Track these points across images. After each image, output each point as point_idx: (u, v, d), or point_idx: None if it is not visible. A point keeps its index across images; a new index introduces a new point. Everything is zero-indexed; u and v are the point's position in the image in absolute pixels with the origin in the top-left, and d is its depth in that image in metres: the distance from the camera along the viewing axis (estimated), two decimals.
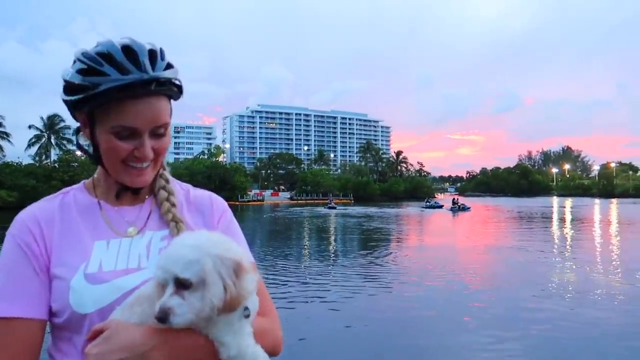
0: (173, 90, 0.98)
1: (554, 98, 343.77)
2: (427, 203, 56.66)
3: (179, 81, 0.99)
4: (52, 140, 67.82)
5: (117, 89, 0.90)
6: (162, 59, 0.96)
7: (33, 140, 66.77)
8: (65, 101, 0.96)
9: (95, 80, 0.91)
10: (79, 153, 63.44)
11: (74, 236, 0.97)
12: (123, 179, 1.00)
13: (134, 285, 0.92)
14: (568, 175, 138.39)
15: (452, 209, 46.75)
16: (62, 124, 68.60)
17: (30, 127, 66.87)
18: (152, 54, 0.94)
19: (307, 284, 10.47)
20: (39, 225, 0.96)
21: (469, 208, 47.56)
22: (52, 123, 67.51)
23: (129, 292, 0.91)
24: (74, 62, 0.95)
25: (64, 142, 68.30)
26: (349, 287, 10.12)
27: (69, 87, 0.94)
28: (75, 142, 1.07)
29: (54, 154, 66.73)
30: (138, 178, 1.00)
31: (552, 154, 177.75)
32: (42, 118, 67.83)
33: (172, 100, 1.01)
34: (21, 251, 0.93)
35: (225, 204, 1.17)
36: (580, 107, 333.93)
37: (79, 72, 0.93)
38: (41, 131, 67.30)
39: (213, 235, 0.87)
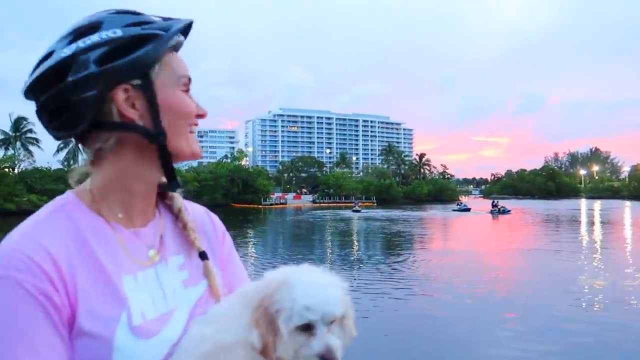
0: None
1: (579, 98, 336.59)
2: (458, 206, 56.26)
3: None
4: (80, 146, 69.19)
5: (174, 35, 0.80)
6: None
7: (61, 145, 68.42)
8: (99, 73, 0.74)
9: (163, 25, 0.80)
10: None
11: (100, 273, 0.75)
12: (187, 149, 0.82)
13: (178, 335, 0.78)
14: (597, 177, 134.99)
15: (492, 212, 46.80)
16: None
17: None
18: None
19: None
20: (54, 262, 0.70)
21: (509, 211, 47.46)
22: (18, 127, 68.84)
23: (175, 344, 0.76)
24: (99, 24, 0.77)
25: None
26: (378, 293, 10.03)
27: (119, 46, 0.76)
28: (110, 124, 0.78)
29: (82, 158, 67.77)
30: (197, 144, 0.85)
31: (579, 155, 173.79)
32: None
33: None
34: (36, 303, 0.67)
35: (221, 222, 1.03)
36: (608, 107, 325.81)
37: (132, 25, 0.78)
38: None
39: (318, 269, 0.83)
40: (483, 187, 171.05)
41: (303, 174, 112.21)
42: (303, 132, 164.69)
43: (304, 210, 61.12)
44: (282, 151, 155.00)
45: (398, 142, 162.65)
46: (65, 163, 66.50)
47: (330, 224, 34.85)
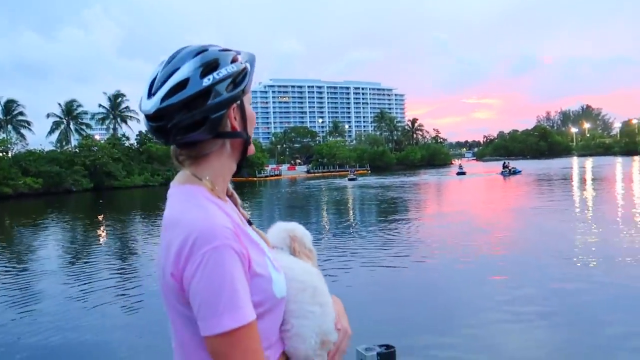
0: None
1: (572, 56, 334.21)
2: (460, 170, 55.93)
3: None
4: (71, 126, 68.85)
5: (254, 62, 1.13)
6: None
7: (53, 127, 67.90)
8: (227, 100, 1.02)
9: (248, 58, 1.11)
10: (97, 137, 64.48)
11: (247, 235, 1.05)
12: (252, 147, 1.14)
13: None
14: (588, 135, 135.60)
15: (502, 173, 47.27)
16: (79, 110, 69.58)
17: (48, 115, 67.85)
18: None
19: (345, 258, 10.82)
20: (235, 231, 0.98)
21: (520, 171, 48.11)
22: (69, 109, 68.38)
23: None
24: (217, 60, 1.04)
25: (83, 127, 69.32)
26: (373, 259, 10.45)
27: (237, 77, 1.05)
28: (226, 135, 1.08)
29: (74, 139, 67.84)
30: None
31: (571, 113, 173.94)
32: (60, 105, 68.75)
33: None
34: (239, 259, 0.96)
35: None
36: (600, 64, 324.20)
37: (233, 61, 1.06)
38: (60, 118, 68.28)
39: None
40: (476, 149, 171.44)
41: (296, 145, 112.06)
42: (294, 102, 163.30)
43: (298, 181, 61.39)
44: (275, 122, 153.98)
45: (390, 109, 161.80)
46: (58, 144, 66.11)
47: (325, 193, 35.24)
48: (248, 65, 1.08)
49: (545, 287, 7.43)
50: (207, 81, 1.00)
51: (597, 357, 5.09)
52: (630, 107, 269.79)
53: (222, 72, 1.02)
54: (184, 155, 1.07)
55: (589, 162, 71.12)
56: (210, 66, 1.02)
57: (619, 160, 74.13)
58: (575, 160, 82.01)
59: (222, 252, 0.93)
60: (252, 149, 1.13)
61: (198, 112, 1.00)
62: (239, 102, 1.06)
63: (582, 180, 35.08)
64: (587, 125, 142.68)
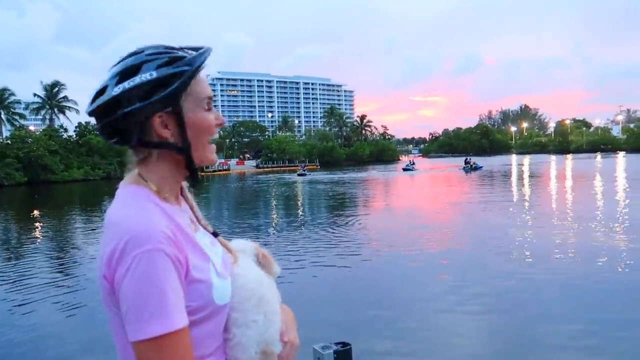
0: None
1: (513, 57, 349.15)
2: (408, 166, 56.65)
3: None
4: (3, 116, 64.63)
5: (199, 66, 1.03)
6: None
7: None
8: (141, 108, 0.98)
9: (188, 61, 1.01)
10: (32, 128, 60.84)
11: (189, 239, 1.02)
12: (209, 156, 1.08)
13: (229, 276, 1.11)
14: (526, 134, 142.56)
15: (464, 169, 48.56)
16: (12, 99, 65.33)
17: None
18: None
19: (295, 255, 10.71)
20: (174, 234, 0.96)
21: (481, 167, 49.66)
22: (1, 98, 64.06)
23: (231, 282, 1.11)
24: (141, 65, 1.00)
25: (16, 117, 65.24)
26: (324, 258, 10.43)
27: (154, 86, 0.98)
28: (152, 145, 1.03)
29: (6, 130, 63.78)
30: (213, 154, 1.09)
31: (510, 113, 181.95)
32: None
33: None
34: (172, 264, 0.93)
35: None
36: (538, 66, 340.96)
37: (164, 65, 1.00)
38: None
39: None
40: (422, 146, 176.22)
41: (245, 139, 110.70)
42: (243, 96, 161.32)
43: (247, 176, 60.74)
44: (223, 116, 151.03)
45: (339, 104, 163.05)
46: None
47: (275, 189, 35.03)
48: (184, 69, 1.00)
49: (486, 284, 7.61)
50: (116, 90, 0.98)
51: (534, 351, 5.26)
52: (564, 108, 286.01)
53: (136, 80, 0.98)
54: (130, 153, 1.07)
55: (526, 159, 74.77)
56: (127, 74, 0.99)
57: (552, 158, 78.43)
58: (514, 158, 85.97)
59: (154, 256, 0.90)
60: (202, 160, 1.07)
61: (108, 121, 1.00)
62: (169, 108, 1.00)
63: (531, 177, 36.76)
64: (525, 125, 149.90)
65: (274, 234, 13.56)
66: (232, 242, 1.26)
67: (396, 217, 16.67)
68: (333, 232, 13.19)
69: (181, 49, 1.05)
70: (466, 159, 54.19)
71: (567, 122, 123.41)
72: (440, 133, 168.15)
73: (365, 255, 10.10)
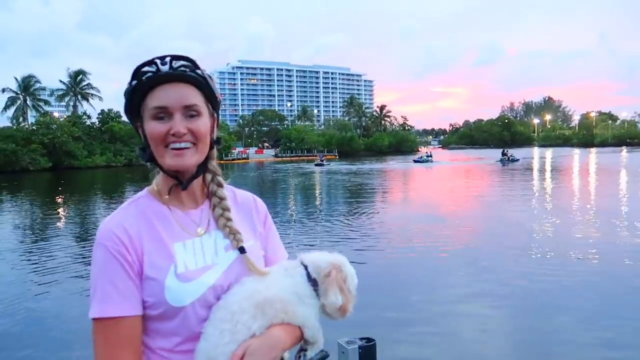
0: (193, 80, 1.14)
1: (536, 48, 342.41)
2: (420, 158, 56.16)
3: (196, 74, 1.14)
4: (28, 103, 65.91)
5: (150, 78, 1.10)
6: (186, 60, 1.14)
7: (8, 103, 64.81)
8: (127, 115, 1.18)
9: (139, 75, 1.11)
10: (56, 115, 62.03)
11: (158, 241, 1.12)
12: (167, 162, 1.13)
13: (213, 281, 1.13)
14: (549, 126, 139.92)
15: (501, 160, 47.93)
16: (37, 85, 66.55)
17: (4, 90, 64.55)
18: (178, 57, 1.15)
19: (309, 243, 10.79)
20: (128, 235, 1.09)
21: (518, 159, 49.04)
22: (27, 85, 65.31)
23: (212, 287, 1.12)
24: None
25: (41, 103, 66.50)
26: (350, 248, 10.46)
27: (128, 98, 1.14)
28: (136, 153, 1.22)
29: (31, 116, 65.09)
30: (178, 158, 1.12)
31: (533, 104, 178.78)
32: (16, 79, 65.55)
33: (207, 95, 1.18)
34: (116, 260, 1.07)
35: (265, 205, 1.37)
36: (563, 57, 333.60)
37: (132, 78, 1.14)
38: (16, 93, 65.15)
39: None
40: (442, 137, 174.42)
41: (264, 128, 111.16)
42: (263, 84, 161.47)
43: (266, 165, 60.99)
44: (242, 105, 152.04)
45: (359, 94, 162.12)
46: (14, 121, 63.23)
47: (292, 179, 35.14)
48: (135, 83, 1.12)
49: (504, 280, 7.54)
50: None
51: (554, 349, 5.23)
52: (589, 100, 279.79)
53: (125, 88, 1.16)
54: None
55: (548, 152, 73.38)
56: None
57: (576, 151, 76.86)
58: (536, 151, 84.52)
59: (97, 250, 1.09)
60: (163, 167, 1.15)
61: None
62: (139, 122, 1.15)
63: (553, 170, 36.14)
64: (548, 117, 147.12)
65: (290, 225, 13.63)
66: (310, 252, 1.25)
67: (414, 209, 16.60)
68: (350, 225, 13.20)
69: (163, 58, 1.13)
70: (503, 150, 53.38)
71: (592, 115, 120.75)
72: (461, 124, 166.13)
73: (382, 250, 10.07)
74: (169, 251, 1.12)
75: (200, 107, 1.15)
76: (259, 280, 1.16)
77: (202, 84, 1.16)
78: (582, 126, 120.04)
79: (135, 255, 1.09)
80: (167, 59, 1.12)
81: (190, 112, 1.13)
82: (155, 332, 1.12)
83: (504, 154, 50.47)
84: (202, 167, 1.20)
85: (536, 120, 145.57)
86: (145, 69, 1.11)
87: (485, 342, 5.32)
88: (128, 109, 1.16)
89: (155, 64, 1.12)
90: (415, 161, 54.16)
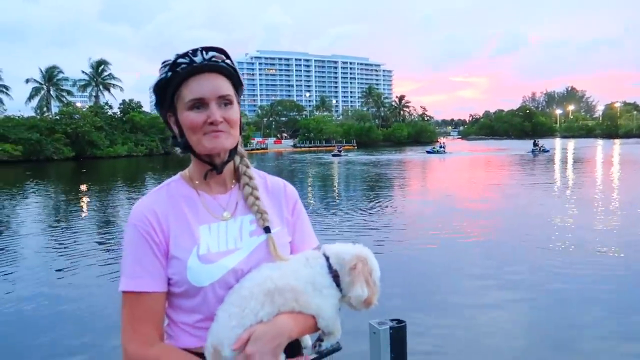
0: (224, 71, 1.21)
1: (559, 37, 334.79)
2: (433, 148, 55.70)
3: (227, 64, 1.21)
4: (52, 93, 67.16)
5: (185, 70, 1.16)
6: (217, 51, 1.20)
7: (33, 93, 66.12)
8: (157, 108, 1.25)
9: (174, 67, 1.17)
10: (79, 105, 62.89)
11: (184, 223, 1.20)
12: (206, 145, 1.19)
13: (234, 264, 1.19)
14: (572, 117, 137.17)
15: (533, 151, 47.68)
16: (60, 76, 67.74)
17: (28, 80, 65.90)
18: (209, 48, 1.20)
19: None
20: (157, 217, 1.18)
21: (548, 150, 48.89)
22: (51, 75, 66.54)
23: (232, 270, 1.18)
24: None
25: (64, 93, 67.69)
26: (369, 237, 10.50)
27: (159, 89, 1.21)
28: (169, 142, 1.29)
29: (55, 106, 66.29)
30: (215, 139, 1.18)
31: (556, 94, 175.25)
32: (40, 70, 66.83)
33: (237, 86, 1.25)
34: (144, 240, 1.16)
35: (296, 192, 1.41)
36: (587, 46, 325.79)
37: (163, 68, 1.20)
38: (40, 84, 66.45)
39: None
40: (461, 128, 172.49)
41: (283, 118, 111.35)
42: (281, 75, 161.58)
43: (285, 155, 61.16)
44: (261, 95, 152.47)
45: (377, 84, 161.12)
46: (38, 111, 64.53)
47: (311, 169, 35.24)
48: (169, 75, 1.18)
49: (525, 275, 7.47)
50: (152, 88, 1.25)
51: (574, 344, 5.20)
52: (613, 90, 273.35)
53: (153, 81, 1.23)
54: None
55: (571, 143, 71.99)
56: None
57: (599, 142, 75.27)
58: (558, 142, 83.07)
59: (128, 229, 1.19)
60: (199, 152, 1.21)
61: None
62: (171, 113, 1.22)
63: (575, 162, 35.54)
64: (571, 107, 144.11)
65: (308, 215, 13.68)
66: (337, 243, 1.28)
67: (434, 200, 16.53)
68: (368, 215, 13.23)
69: (195, 50, 1.18)
70: (535, 141, 52.79)
71: (617, 105, 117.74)
72: (481, 115, 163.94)
73: (401, 241, 10.09)
74: (194, 233, 1.19)
75: (232, 96, 1.21)
76: (275, 268, 1.18)
77: (231, 73, 1.22)
78: (605, 117, 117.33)
79: (162, 235, 1.17)
80: (200, 50, 1.18)
81: (224, 101, 1.19)
82: (178, 308, 1.20)
83: (535, 144, 49.98)
84: (234, 152, 1.27)
85: (558, 111, 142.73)
86: (180, 60, 1.17)
87: (506, 336, 5.28)
88: (160, 101, 1.22)
89: (189, 55, 1.17)
90: (428, 152, 53.71)
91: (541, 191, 17.65)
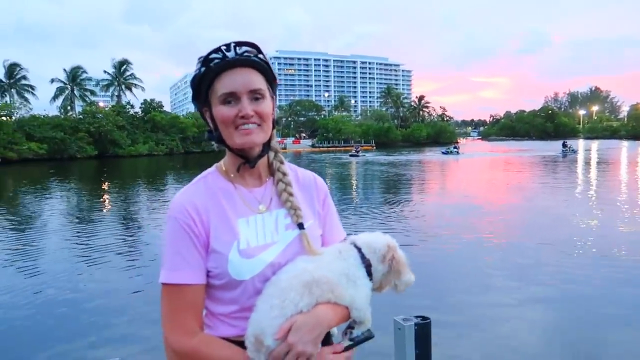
0: (257, 65, 1.22)
1: (584, 36, 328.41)
2: (448, 149, 55.33)
3: (259, 59, 1.22)
4: (76, 92, 68.50)
5: (218, 65, 1.19)
6: (249, 46, 1.22)
7: (57, 92, 67.57)
8: (194, 103, 1.28)
9: (207, 62, 1.20)
10: (102, 104, 64.07)
11: (223, 216, 1.22)
12: (236, 141, 1.21)
13: (272, 258, 1.21)
14: (595, 117, 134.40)
15: (563, 152, 47.59)
16: (84, 76, 69.09)
17: (52, 80, 67.39)
18: (241, 43, 1.22)
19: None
20: (197, 210, 1.19)
21: (576, 151, 49.03)
22: (74, 75, 67.92)
23: (270, 264, 1.21)
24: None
25: (87, 93, 69.01)
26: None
27: (195, 84, 1.23)
28: (205, 136, 1.31)
29: (78, 105, 67.59)
30: (247, 136, 1.21)
31: (579, 95, 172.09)
32: (64, 70, 68.28)
33: (270, 81, 1.27)
34: (185, 232, 1.18)
35: (325, 185, 1.43)
36: (612, 45, 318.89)
37: (199, 64, 1.22)
38: (64, 83, 67.87)
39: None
40: (481, 128, 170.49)
41: (301, 118, 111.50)
42: (300, 75, 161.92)
43: (303, 155, 61.27)
44: (280, 95, 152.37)
45: (397, 84, 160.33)
46: (62, 110, 65.89)
47: (330, 169, 35.24)
48: (204, 69, 1.20)
49: (545, 277, 7.35)
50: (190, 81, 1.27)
51: (598, 351, 5.10)
52: (638, 90, 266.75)
53: (190, 75, 1.25)
54: None
55: (594, 144, 70.54)
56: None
57: (624, 144, 73.57)
58: (581, 143, 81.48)
59: (169, 221, 1.20)
60: (232, 146, 1.23)
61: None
62: (207, 107, 1.24)
63: (599, 163, 34.85)
64: (595, 108, 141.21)
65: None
66: (363, 233, 1.32)
67: (452, 202, 16.37)
68: (387, 217, 13.17)
69: (228, 45, 1.20)
70: (564, 142, 52.60)
71: None
72: (502, 115, 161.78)
73: (424, 241, 10.04)
74: (233, 227, 1.21)
75: (264, 90, 1.23)
76: (310, 260, 1.21)
77: (264, 68, 1.24)
78: (631, 117, 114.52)
79: (202, 228, 1.18)
80: (232, 45, 1.20)
81: (255, 95, 1.21)
82: (217, 299, 1.22)
83: (564, 145, 49.76)
84: (267, 147, 1.29)
85: (582, 112, 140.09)
86: (212, 56, 1.19)
87: (527, 341, 5.16)
88: (196, 96, 1.25)
89: (221, 51, 1.19)
90: (443, 153, 53.46)
91: (564, 192, 17.33)
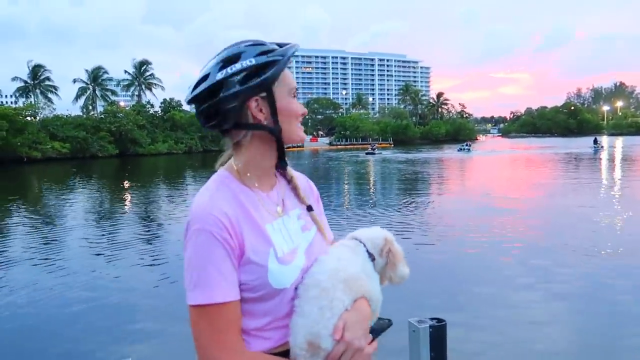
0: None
1: (608, 31, 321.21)
2: (461, 147, 54.80)
3: None
4: (97, 92, 69.73)
5: (287, 58, 1.15)
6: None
7: (79, 92, 68.88)
8: (241, 91, 1.10)
9: (281, 52, 1.14)
10: (122, 104, 65.17)
11: (253, 224, 1.13)
12: (299, 135, 1.21)
13: (303, 262, 1.18)
14: (620, 113, 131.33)
15: (594, 149, 47.25)
16: (105, 76, 70.34)
17: (75, 80, 68.76)
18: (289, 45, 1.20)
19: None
20: (230, 220, 1.09)
21: (603, 146, 48.90)
22: (96, 75, 69.17)
23: (303, 268, 1.17)
24: (240, 54, 1.12)
25: (108, 93, 70.21)
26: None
27: (252, 71, 1.11)
28: (241, 124, 1.15)
29: (100, 105, 68.79)
30: (302, 132, 1.24)
31: (603, 90, 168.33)
32: (86, 71, 69.61)
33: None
34: (221, 245, 1.06)
35: (315, 187, 1.42)
36: (636, 41, 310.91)
37: (260, 54, 1.13)
38: (86, 84, 69.17)
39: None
40: (501, 125, 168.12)
41: (319, 116, 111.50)
42: (318, 73, 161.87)
43: (321, 153, 61.31)
44: (297, 93, 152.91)
45: (415, 81, 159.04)
46: (84, 110, 67.13)
47: (347, 167, 35.16)
48: (277, 58, 1.13)
49: (568, 277, 7.20)
50: (219, 75, 1.10)
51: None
52: None
53: (237, 66, 1.11)
54: (226, 140, 1.21)
55: (619, 141, 69.00)
56: (229, 61, 1.12)
57: None
58: (605, 139, 79.69)
59: (200, 235, 1.06)
60: (293, 139, 1.20)
61: (211, 104, 1.12)
62: (264, 94, 1.13)
63: (624, 160, 34.09)
64: (619, 104, 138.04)
65: (341, 214, 13.65)
66: (359, 229, 1.32)
67: (472, 200, 16.18)
68: (404, 216, 13.08)
69: (279, 44, 1.18)
70: (595, 138, 52.13)
71: None
72: (523, 112, 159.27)
73: (441, 240, 9.94)
74: (265, 235, 1.14)
75: None
76: (334, 260, 1.21)
77: None
78: None
79: (236, 239, 1.09)
80: (286, 45, 1.19)
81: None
82: (249, 313, 1.13)
83: (596, 142, 49.32)
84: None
85: (606, 108, 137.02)
86: (273, 47, 1.16)
87: (549, 346, 5.01)
88: (262, 83, 1.13)
89: (279, 46, 1.17)
90: (458, 150, 53.09)
91: (587, 191, 16.95)
